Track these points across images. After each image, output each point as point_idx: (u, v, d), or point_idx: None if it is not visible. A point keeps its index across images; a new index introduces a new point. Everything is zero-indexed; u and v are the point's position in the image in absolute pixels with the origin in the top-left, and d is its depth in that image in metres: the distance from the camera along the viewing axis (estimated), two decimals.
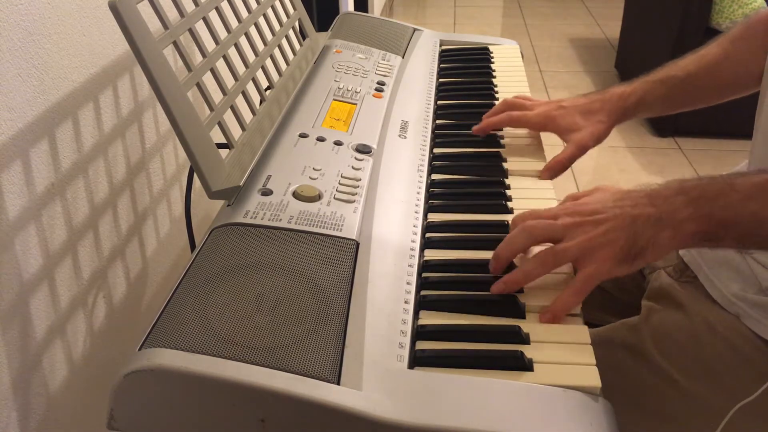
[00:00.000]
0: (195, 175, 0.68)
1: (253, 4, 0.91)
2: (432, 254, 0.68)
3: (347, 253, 0.63)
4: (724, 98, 0.91)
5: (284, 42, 0.96)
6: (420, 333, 0.58)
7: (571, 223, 0.62)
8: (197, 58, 0.74)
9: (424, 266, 0.67)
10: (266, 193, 0.70)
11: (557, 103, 0.89)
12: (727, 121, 2.28)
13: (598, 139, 0.86)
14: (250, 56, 0.86)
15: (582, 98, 0.90)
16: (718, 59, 0.88)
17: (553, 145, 0.89)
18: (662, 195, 0.62)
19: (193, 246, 0.84)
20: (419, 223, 0.71)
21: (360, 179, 0.74)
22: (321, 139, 0.80)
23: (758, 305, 0.71)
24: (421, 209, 0.73)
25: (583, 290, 0.60)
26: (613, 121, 0.87)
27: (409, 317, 0.59)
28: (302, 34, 1.07)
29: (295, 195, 0.69)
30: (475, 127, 0.90)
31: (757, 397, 0.68)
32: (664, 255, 0.62)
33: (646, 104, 0.88)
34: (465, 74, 1.08)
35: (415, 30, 1.18)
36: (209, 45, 0.76)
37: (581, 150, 0.85)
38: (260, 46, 0.89)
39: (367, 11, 2.97)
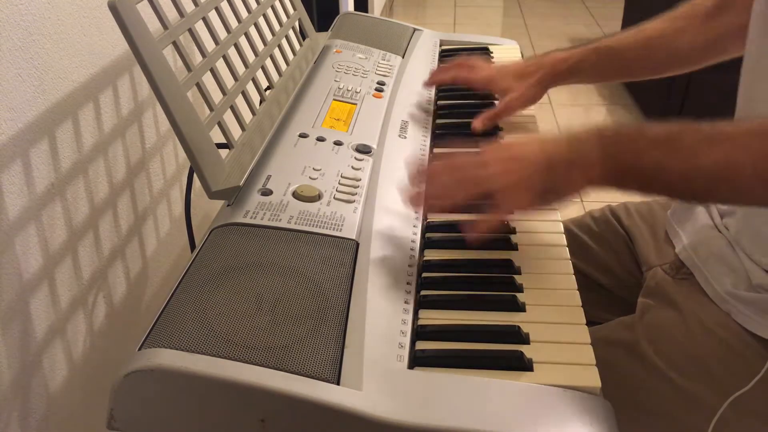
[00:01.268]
0: (195, 175, 0.68)
1: (253, 4, 0.91)
2: (432, 254, 0.68)
3: (347, 253, 0.63)
4: (656, 74, 0.93)
5: (284, 42, 0.96)
6: (420, 333, 0.58)
7: (499, 169, 0.67)
8: (197, 58, 0.74)
9: (424, 266, 0.67)
10: (266, 193, 0.70)
11: (501, 66, 0.96)
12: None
13: (527, 101, 0.92)
14: (250, 56, 0.86)
15: (522, 62, 0.96)
16: (653, 34, 0.90)
17: None
18: (579, 138, 0.66)
19: (193, 246, 0.84)
20: (419, 223, 0.71)
21: (360, 179, 0.74)
22: (321, 139, 0.80)
23: (748, 302, 0.72)
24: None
25: (505, 215, 0.69)
26: (545, 84, 0.92)
27: (409, 317, 0.59)
28: (302, 34, 1.07)
29: (295, 195, 0.69)
30: (425, 81, 0.99)
31: (749, 393, 0.69)
32: (573, 194, 0.67)
33: (580, 71, 0.91)
34: None
35: (415, 30, 1.18)
36: (209, 45, 0.76)
37: (508, 110, 0.92)
38: (260, 46, 0.89)
39: (367, 11, 2.97)
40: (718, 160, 0.61)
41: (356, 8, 2.86)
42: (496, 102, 0.97)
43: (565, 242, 0.70)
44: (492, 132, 0.90)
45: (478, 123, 0.90)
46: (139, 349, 0.52)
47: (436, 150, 0.87)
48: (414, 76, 1.03)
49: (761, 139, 0.60)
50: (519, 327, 0.58)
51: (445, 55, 1.15)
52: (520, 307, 0.61)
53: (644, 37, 0.90)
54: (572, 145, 0.66)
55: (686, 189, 0.64)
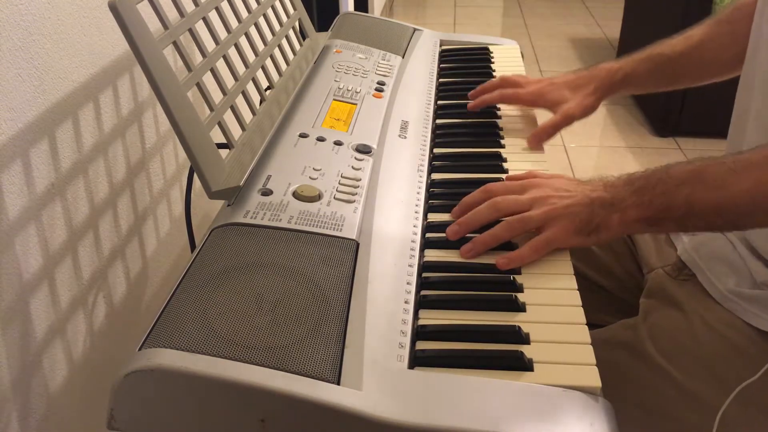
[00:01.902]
0: (195, 175, 0.68)
1: (253, 4, 0.91)
2: (432, 254, 0.68)
3: (347, 253, 0.63)
4: (708, 79, 0.94)
5: (284, 42, 0.96)
6: (420, 333, 0.58)
7: (539, 196, 0.69)
8: (197, 58, 0.74)
9: (424, 266, 0.66)
10: (266, 193, 0.70)
11: (549, 80, 0.94)
12: (728, 122, 2.28)
13: (585, 111, 0.90)
14: (250, 56, 0.86)
15: (571, 74, 0.94)
16: (702, 39, 0.90)
17: (554, 145, 0.90)
18: (614, 184, 0.69)
19: (193, 246, 0.84)
20: (419, 223, 0.71)
21: (360, 179, 0.74)
22: (321, 139, 0.80)
23: (753, 299, 0.72)
24: (421, 209, 0.73)
25: (540, 249, 0.66)
26: (600, 94, 0.91)
27: (409, 317, 0.59)
28: (302, 34, 1.07)
29: (295, 195, 0.69)
30: (470, 104, 0.94)
31: (754, 388, 0.69)
32: (614, 236, 0.68)
33: (633, 80, 0.91)
34: (465, 74, 1.07)
35: (415, 30, 1.18)
36: (209, 45, 0.76)
37: (567, 119, 0.89)
38: (260, 46, 0.89)
39: (367, 11, 2.97)
40: (749, 188, 0.63)
41: (356, 8, 2.86)
42: (498, 112, 0.96)
43: None
44: (493, 137, 0.90)
45: (534, 140, 0.87)
46: (139, 349, 0.52)
47: (436, 150, 0.87)
48: (414, 76, 1.03)
49: None
50: (519, 327, 0.58)
51: (445, 54, 1.15)
52: (520, 307, 0.61)
53: (696, 42, 0.90)
54: (608, 189, 0.69)
55: (722, 221, 0.65)
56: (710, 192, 0.64)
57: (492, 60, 1.12)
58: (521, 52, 1.17)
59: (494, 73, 1.08)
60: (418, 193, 0.76)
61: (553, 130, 0.88)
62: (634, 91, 0.95)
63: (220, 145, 0.72)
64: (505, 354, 0.56)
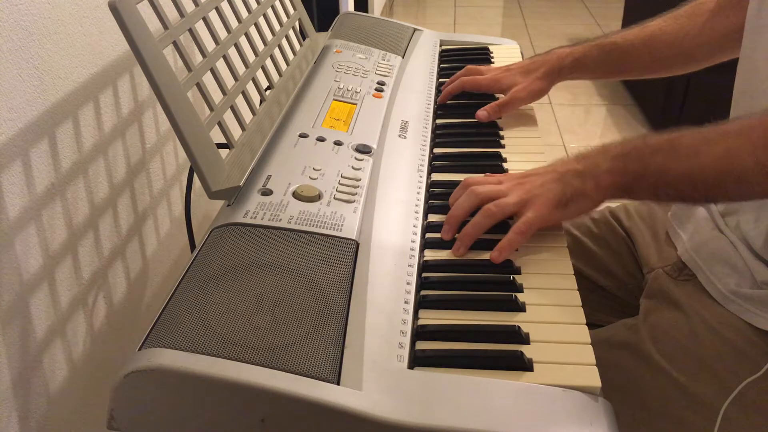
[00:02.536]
0: (195, 175, 0.68)
1: (253, 4, 0.91)
2: (432, 254, 0.68)
3: (347, 253, 0.63)
4: (658, 72, 0.95)
5: (284, 42, 0.96)
6: (420, 333, 0.58)
7: (513, 184, 0.71)
8: (197, 58, 0.74)
9: (424, 266, 0.67)
10: (266, 193, 0.70)
11: (506, 67, 0.98)
12: None
13: (532, 94, 0.93)
14: (250, 56, 0.86)
15: (527, 60, 0.98)
16: (656, 32, 0.91)
17: (553, 145, 0.90)
18: (587, 155, 0.70)
19: (193, 246, 0.84)
20: (419, 223, 0.71)
21: (360, 179, 0.74)
22: (321, 139, 0.80)
23: (755, 299, 0.72)
24: (421, 209, 0.73)
25: (524, 232, 0.67)
26: (550, 78, 0.94)
27: (409, 317, 0.59)
28: (302, 34, 1.07)
29: (295, 195, 0.69)
30: (439, 98, 0.99)
31: (754, 389, 0.69)
32: (593, 204, 0.69)
33: (582, 66, 0.93)
34: None
35: (415, 30, 1.18)
36: (209, 45, 0.76)
37: (514, 101, 0.93)
38: (260, 46, 0.89)
39: (367, 11, 2.97)
40: (720, 156, 0.62)
41: (356, 8, 2.86)
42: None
43: (565, 243, 0.70)
44: (493, 137, 0.90)
45: (483, 113, 0.92)
46: (139, 349, 0.52)
47: (436, 150, 0.87)
48: (414, 76, 1.03)
49: (759, 130, 0.62)
50: (519, 327, 0.58)
51: (445, 54, 1.15)
52: (520, 307, 0.61)
53: (648, 35, 0.91)
54: (580, 160, 0.70)
55: (693, 190, 0.66)
56: (682, 160, 0.65)
57: (492, 60, 1.12)
58: (521, 52, 1.17)
59: None
60: (418, 193, 0.76)
61: (499, 109, 0.92)
62: (585, 77, 0.97)
63: (220, 145, 0.72)
64: (505, 354, 0.56)
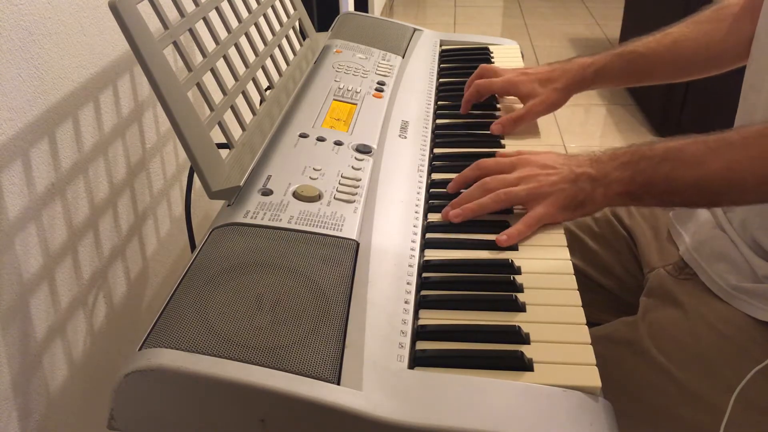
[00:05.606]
0: (195, 175, 0.68)
1: (253, 4, 0.91)
2: (432, 254, 0.68)
3: (347, 253, 0.63)
4: (681, 77, 0.94)
5: (284, 42, 0.96)
6: (420, 333, 0.58)
7: (526, 174, 0.72)
8: (197, 58, 0.74)
9: (424, 266, 0.67)
10: (266, 193, 0.70)
11: (522, 70, 0.96)
12: (729, 122, 2.28)
13: (549, 107, 0.92)
14: (250, 56, 0.86)
15: (546, 67, 0.95)
16: (679, 38, 0.91)
17: (553, 145, 0.89)
18: (600, 159, 0.72)
19: (193, 246, 0.84)
20: (419, 223, 0.71)
21: (360, 179, 0.74)
22: (321, 139, 0.80)
23: (758, 293, 0.72)
24: (421, 209, 0.73)
25: (532, 225, 0.69)
26: (570, 89, 0.92)
27: (409, 317, 0.59)
28: (302, 34, 1.07)
29: (295, 195, 0.69)
30: (461, 110, 0.96)
31: (756, 388, 0.69)
32: (599, 208, 0.72)
33: (605, 75, 0.92)
34: (465, 74, 1.07)
35: (415, 30, 1.18)
36: (209, 45, 0.76)
37: (530, 115, 0.91)
38: (260, 46, 0.89)
39: (367, 11, 2.97)
40: (722, 167, 0.65)
41: (356, 8, 2.86)
42: (498, 106, 0.97)
43: (565, 242, 0.70)
44: (493, 137, 0.90)
45: (498, 126, 0.89)
46: (140, 349, 0.52)
47: (436, 150, 0.87)
48: (414, 76, 1.03)
49: (758, 141, 0.64)
50: (519, 327, 0.58)
51: (445, 55, 1.15)
52: (520, 307, 0.61)
53: (670, 41, 0.91)
54: (593, 164, 0.71)
55: (699, 197, 0.68)
56: (689, 169, 0.66)
57: (492, 60, 1.12)
58: (521, 52, 1.17)
59: None
60: (418, 193, 0.76)
61: (514, 122, 0.90)
62: (606, 86, 0.96)
63: (220, 145, 0.72)
64: (505, 354, 0.56)
